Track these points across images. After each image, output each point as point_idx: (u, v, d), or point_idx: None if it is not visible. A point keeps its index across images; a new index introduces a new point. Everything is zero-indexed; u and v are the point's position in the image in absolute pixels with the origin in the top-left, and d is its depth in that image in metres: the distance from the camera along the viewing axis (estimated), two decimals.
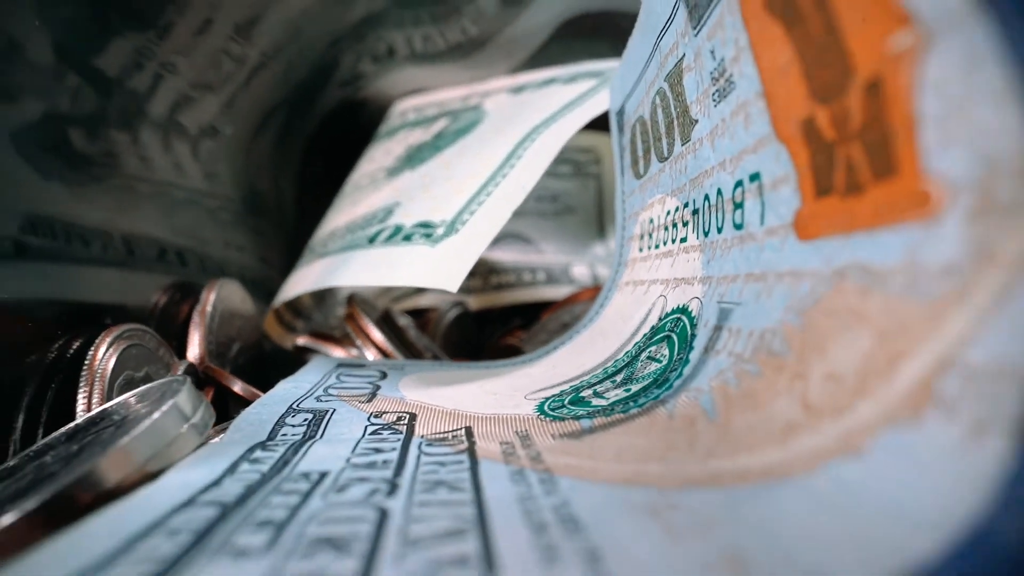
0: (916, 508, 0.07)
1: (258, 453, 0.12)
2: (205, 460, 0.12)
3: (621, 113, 0.23)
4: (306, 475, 0.11)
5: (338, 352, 0.26)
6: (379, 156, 0.34)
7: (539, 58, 0.36)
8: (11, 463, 0.14)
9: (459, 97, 0.36)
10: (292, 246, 0.39)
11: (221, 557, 0.08)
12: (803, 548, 0.07)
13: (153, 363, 0.21)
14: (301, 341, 0.27)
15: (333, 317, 0.35)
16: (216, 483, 0.11)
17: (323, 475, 0.11)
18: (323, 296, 0.35)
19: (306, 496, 0.10)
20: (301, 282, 0.27)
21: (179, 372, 0.20)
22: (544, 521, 0.08)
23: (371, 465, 0.11)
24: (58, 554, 0.08)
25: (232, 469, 0.11)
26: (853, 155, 0.09)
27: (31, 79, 0.22)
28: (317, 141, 0.41)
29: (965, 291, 0.07)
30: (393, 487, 0.10)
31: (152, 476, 0.12)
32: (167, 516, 0.09)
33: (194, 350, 0.23)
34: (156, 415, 0.12)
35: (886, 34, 0.08)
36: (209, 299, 0.24)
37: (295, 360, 0.29)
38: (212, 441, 0.14)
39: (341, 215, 0.30)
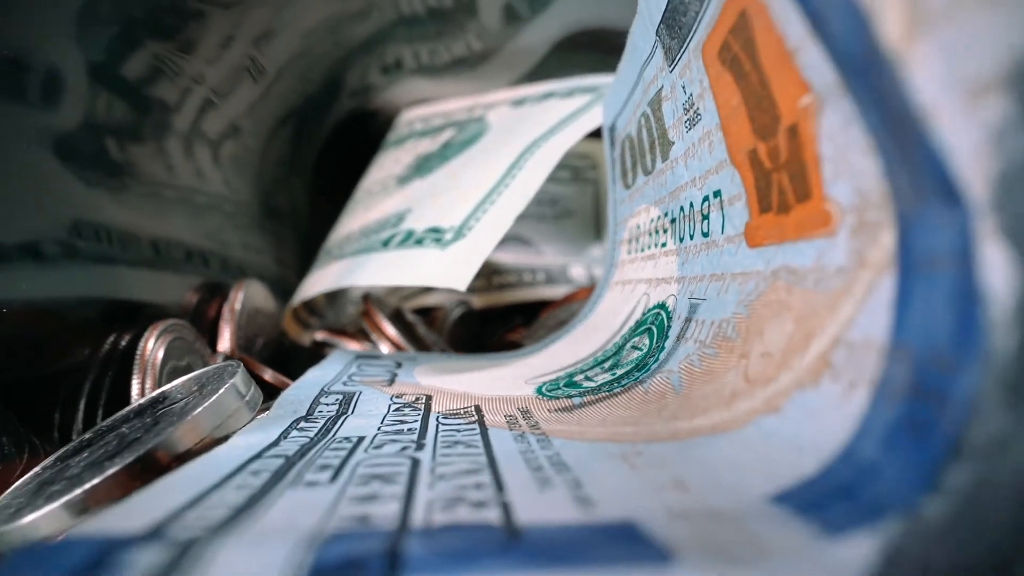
0: (807, 443, 0.09)
1: (302, 424, 0.15)
2: (260, 429, 0.15)
3: (613, 129, 0.25)
4: (347, 438, 0.14)
5: (353, 346, 0.29)
6: (389, 164, 0.37)
7: (539, 71, 0.39)
8: (87, 436, 0.17)
9: (464, 108, 0.38)
10: (305, 248, 0.41)
11: (297, 487, 0.10)
12: (729, 474, 0.10)
13: (192, 354, 0.23)
14: (320, 336, 0.30)
15: (344, 315, 0.37)
16: (275, 443, 0.13)
17: (360, 438, 0.14)
18: (335, 296, 0.38)
19: (350, 452, 0.12)
20: (319, 282, 0.30)
21: (217, 362, 0.23)
22: (540, 464, 0.11)
23: (398, 432, 0.14)
24: (166, 488, 0.11)
25: (284, 435, 0.14)
26: (782, 181, 0.12)
27: (69, 94, 0.25)
28: (328, 148, 0.44)
29: (849, 286, 0.10)
30: (420, 446, 0.13)
31: (217, 442, 0.15)
32: (245, 463, 0.12)
33: (225, 343, 0.26)
34: (219, 393, 0.15)
35: (797, 94, 0.10)
36: (237, 297, 0.27)
37: (312, 354, 0.31)
38: (259, 417, 0.16)
39: (355, 220, 0.33)
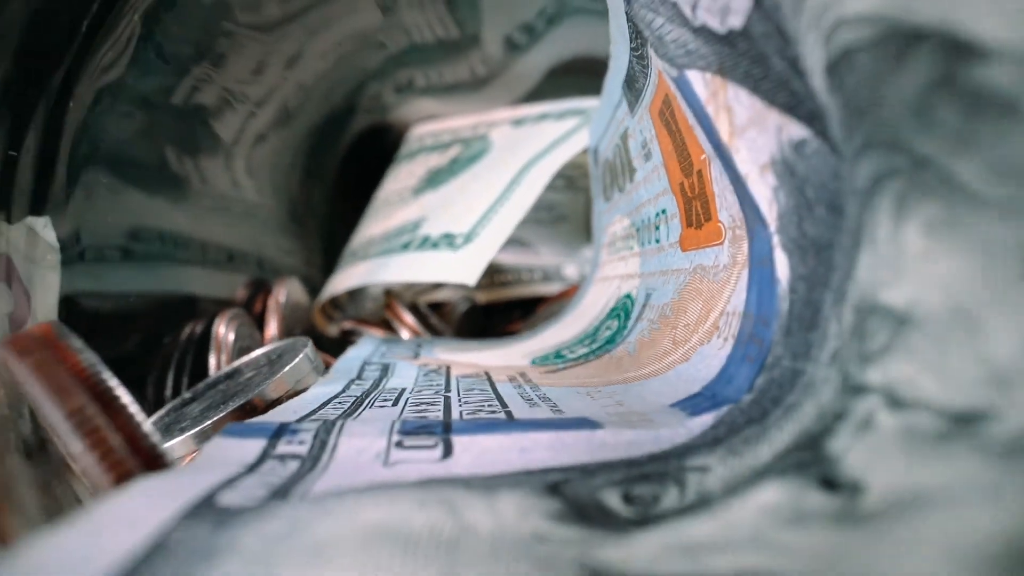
0: (700, 376, 0.15)
1: (356, 382, 0.21)
2: (327, 384, 0.20)
3: (596, 151, 0.31)
4: (393, 389, 0.19)
5: (377, 333, 0.35)
6: (403, 176, 0.43)
7: (536, 92, 0.45)
8: (188, 395, 0.23)
9: (469, 125, 0.44)
10: (328, 250, 0.47)
11: (372, 408, 0.16)
12: (650, 397, 0.15)
13: (250, 338, 0.29)
14: (347, 325, 0.35)
15: (363, 309, 0.43)
16: (343, 391, 0.19)
17: (403, 389, 0.19)
18: (355, 293, 0.44)
19: (399, 394, 0.18)
20: (347, 280, 0.36)
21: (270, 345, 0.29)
22: (531, 397, 0.17)
23: (429, 384, 0.20)
24: (288, 407, 0.16)
25: (346, 387, 0.20)
26: (697, 207, 0.18)
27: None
28: (347, 159, 0.50)
29: (729, 278, 0.16)
30: (447, 390, 0.19)
31: (296, 394, 0.20)
32: (330, 400, 0.17)
33: (272, 330, 0.32)
34: (297, 359, 0.21)
35: (698, 152, 0.16)
36: (281, 292, 0.33)
37: (339, 342, 0.37)
38: (320, 379, 0.22)
39: (376, 225, 0.39)
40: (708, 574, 0.08)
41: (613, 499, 0.10)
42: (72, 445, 0.10)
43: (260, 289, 0.34)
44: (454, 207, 0.33)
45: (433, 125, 0.47)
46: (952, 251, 0.08)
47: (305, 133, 0.45)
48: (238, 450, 0.12)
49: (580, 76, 0.43)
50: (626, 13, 0.17)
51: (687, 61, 0.13)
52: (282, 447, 0.12)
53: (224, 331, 0.27)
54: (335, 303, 0.41)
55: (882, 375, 0.09)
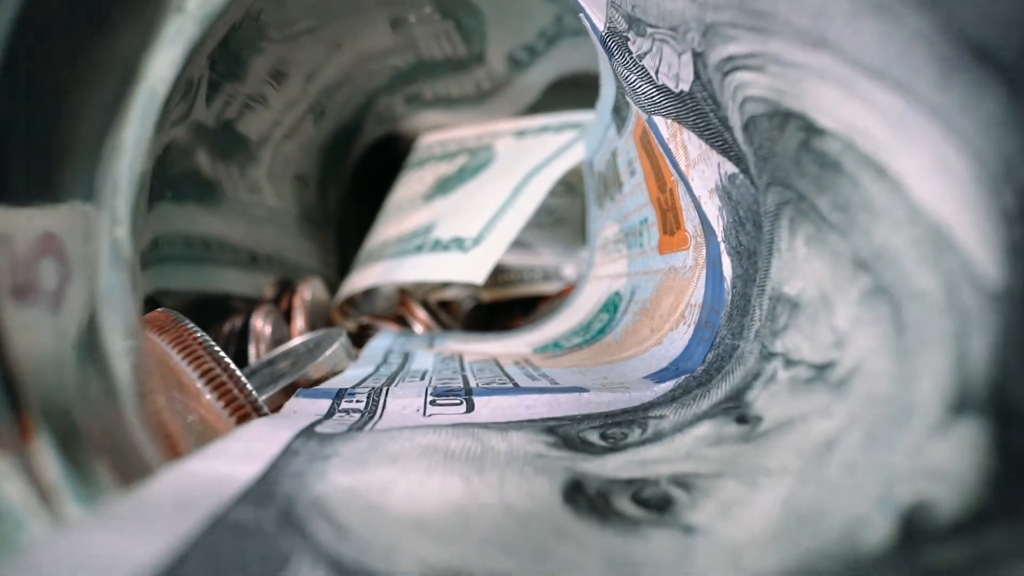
0: (669, 355, 0.19)
1: (383, 366, 0.25)
2: (359, 367, 0.24)
3: (591, 163, 0.35)
4: (417, 370, 0.23)
5: (392, 328, 0.39)
6: (414, 183, 0.47)
7: (537, 105, 0.49)
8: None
9: (474, 136, 0.48)
10: (343, 252, 0.51)
11: (403, 382, 0.20)
12: (629, 372, 0.19)
13: (281, 331, 0.33)
14: (365, 320, 0.39)
15: (376, 307, 0.47)
16: (375, 372, 0.23)
17: (426, 370, 0.23)
18: (369, 292, 0.48)
19: (424, 373, 0.22)
20: (364, 279, 0.40)
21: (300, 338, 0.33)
22: (532, 374, 0.21)
23: (446, 367, 0.24)
24: (335, 380, 0.20)
25: (377, 369, 0.24)
26: (670, 218, 0.22)
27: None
28: (360, 166, 0.54)
29: (693, 276, 0.20)
30: (463, 370, 0.23)
31: (334, 374, 0.24)
32: (365, 378, 0.21)
33: (299, 325, 0.36)
34: (335, 346, 0.25)
35: (669, 174, 0.20)
36: (306, 290, 0.37)
37: (356, 337, 0.41)
38: (352, 364, 0.26)
39: (389, 229, 0.43)
40: (653, 476, 0.12)
41: (593, 436, 0.14)
42: (207, 396, 0.13)
43: (286, 288, 0.38)
44: (463, 213, 0.37)
45: (440, 135, 0.51)
46: (819, 257, 0.12)
47: (322, 142, 0.49)
48: (313, 405, 0.16)
49: (577, 90, 0.47)
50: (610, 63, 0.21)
51: (653, 109, 0.17)
52: (344, 404, 0.16)
53: (262, 325, 0.31)
54: (351, 301, 0.45)
55: (783, 345, 0.13)
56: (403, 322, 0.39)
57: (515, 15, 0.42)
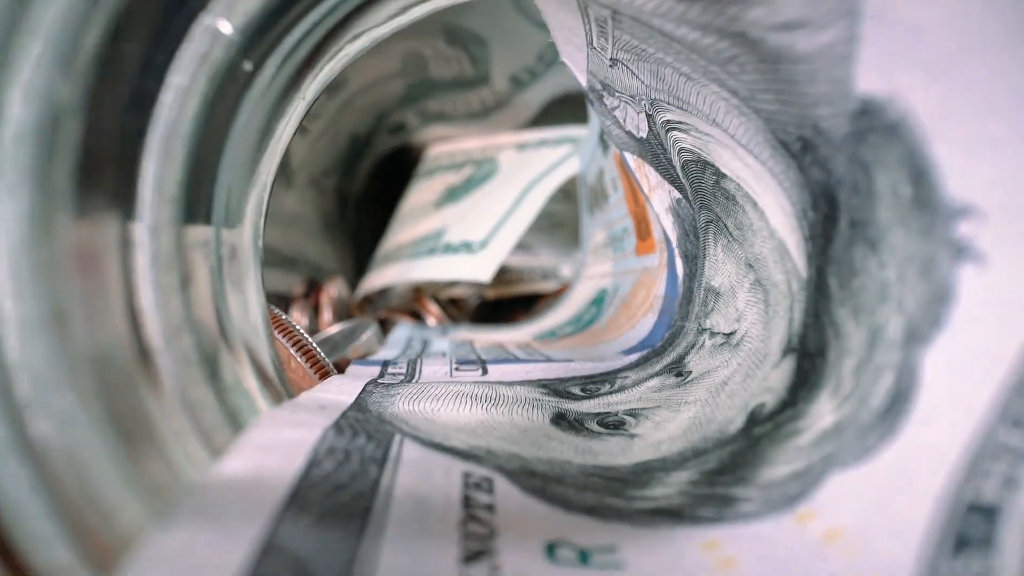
0: (639, 336, 0.25)
1: (408, 348, 0.31)
2: (387, 350, 0.30)
3: (583, 177, 0.41)
4: (437, 352, 0.29)
5: (408, 320, 0.44)
6: (424, 191, 0.53)
7: (536, 119, 0.54)
8: None
9: (479, 148, 0.54)
10: (359, 253, 0.57)
11: (428, 359, 0.26)
12: (608, 350, 0.25)
13: (312, 323, 0.39)
14: (383, 314, 0.45)
15: (390, 303, 0.53)
16: (402, 353, 0.29)
17: (444, 351, 0.29)
18: (383, 290, 0.53)
19: (444, 354, 0.28)
20: (382, 278, 0.45)
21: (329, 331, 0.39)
22: (532, 353, 0.27)
23: (460, 349, 0.30)
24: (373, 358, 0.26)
25: (403, 351, 0.30)
26: (642, 227, 0.27)
27: None
28: (373, 174, 0.60)
29: (658, 273, 0.25)
30: (475, 351, 0.28)
31: (367, 355, 0.30)
32: (397, 357, 0.27)
33: (327, 318, 0.41)
34: (370, 334, 0.30)
35: (639, 192, 0.26)
36: (332, 287, 0.42)
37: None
38: (381, 348, 0.32)
39: (403, 233, 0.49)
40: (614, 411, 0.18)
41: (575, 389, 0.20)
42: (297, 359, 0.19)
43: (312, 286, 0.44)
44: (470, 219, 0.43)
45: (447, 146, 0.57)
46: (729, 260, 0.18)
47: (338, 153, 0.55)
48: (368, 370, 0.21)
49: (570, 106, 0.53)
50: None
51: (623, 147, 0.23)
52: (390, 370, 0.22)
53: (299, 317, 0.36)
54: (368, 298, 0.51)
55: (709, 322, 0.19)
56: (417, 316, 0.45)
57: (517, 42, 0.48)
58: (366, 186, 0.60)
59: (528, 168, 0.46)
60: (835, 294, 0.12)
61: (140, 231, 0.10)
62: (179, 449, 0.10)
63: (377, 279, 0.46)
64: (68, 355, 0.08)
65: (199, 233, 0.12)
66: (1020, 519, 0.08)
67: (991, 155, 0.08)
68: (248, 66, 0.12)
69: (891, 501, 0.09)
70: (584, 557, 0.10)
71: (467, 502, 0.11)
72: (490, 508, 0.11)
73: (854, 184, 0.11)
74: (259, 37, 0.12)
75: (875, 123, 0.10)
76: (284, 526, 0.08)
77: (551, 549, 0.10)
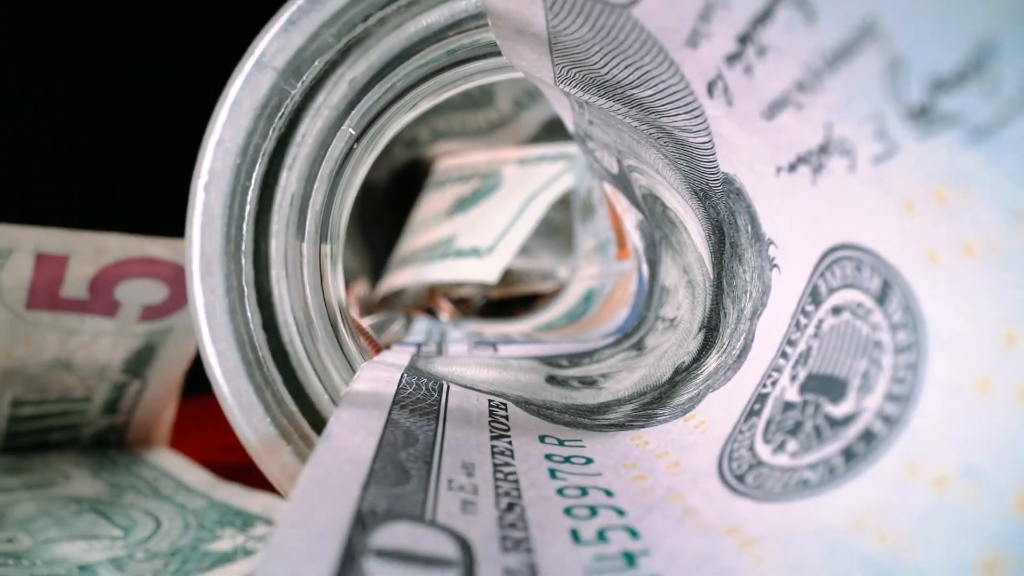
0: (617, 324, 0.32)
1: (430, 340, 0.38)
2: (413, 337, 0.38)
3: (576, 191, 0.48)
4: (455, 338, 0.37)
5: (423, 316, 0.52)
6: (435, 201, 0.60)
7: (536, 136, 0.62)
8: None
9: (484, 161, 0.62)
10: (375, 258, 0.64)
11: (453, 342, 0.33)
12: (591, 335, 0.33)
13: None
14: (401, 311, 0.53)
15: (406, 301, 0.60)
16: (427, 340, 0.36)
17: (460, 339, 0.37)
18: (400, 291, 0.61)
19: (461, 340, 0.35)
20: (400, 279, 0.53)
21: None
22: (534, 341, 0.34)
23: (473, 336, 0.37)
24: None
25: (426, 339, 0.37)
26: (620, 238, 0.35)
27: None
28: (388, 185, 0.67)
29: (632, 276, 0.33)
30: (484, 338, 0.36)
31: (398, 342, 0.37)
32: (424, 341, 0.35)
33: (354, 314, 0.49)
34: (397, 324, 0.38)
35: (624, 214, 0.34)
36: (358, 287, 0.50)
37: None
38: (407, 337, 0.39)
39: (417, 239, 0.56)
40: (590, 374, 0.25)
41: (563, 361, 0.27)
42: (359, 340, 0.27)
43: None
44: (478, 227, 0.51)
45: (456, 160, 0.64)
46: (673, 267, 0.25)
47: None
48: (406, 348, 0.29)
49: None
50: None
51: (602, 178, 0.30)
52: (423, 349, 0.29)
53: None
54: (385, 297, 0.58)
55: (664, 312, 0.26)
56: (431, 312, 0.52)
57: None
58: (382, 195, 0.68)
59: (529, 181, 0.53)
60: (726, 289, 0.20)
61: (305, 249, 0.17)
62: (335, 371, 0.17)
63: (396, 279, 0.54)
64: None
65: (324, 248, 0.19)
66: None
67: (782, 207, 0.16)
68: (353, 137, 0.20)
69: (731, 400, 0.16)
70: (561, 443, 0.17)
71: (492, 414, 0.18)
72: (505, 418, 0.18)
73: (730, 221, 0.18)
74: (370, 127, 0.20)
75: (731, 188, 0.17)
76: (394, 414, 0.16)
77: (542, 438, 0.17)
